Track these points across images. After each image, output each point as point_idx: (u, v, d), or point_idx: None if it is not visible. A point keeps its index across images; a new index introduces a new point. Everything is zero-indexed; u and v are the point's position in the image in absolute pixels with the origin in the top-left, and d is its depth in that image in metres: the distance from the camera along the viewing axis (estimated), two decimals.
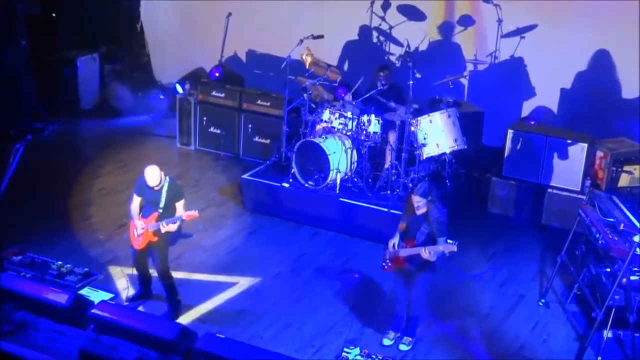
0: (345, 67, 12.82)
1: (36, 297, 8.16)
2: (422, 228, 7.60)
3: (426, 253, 7.50)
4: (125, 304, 8.45)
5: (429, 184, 7.64)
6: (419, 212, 7.57)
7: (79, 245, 9.72)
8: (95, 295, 8.53)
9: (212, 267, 9.39)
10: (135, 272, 8.51)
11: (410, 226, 7.70)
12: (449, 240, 7.49)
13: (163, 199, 8.03)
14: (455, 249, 7.46)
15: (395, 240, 7.81)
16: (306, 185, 10.45)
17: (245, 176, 10.98)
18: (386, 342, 8.03)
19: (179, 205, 8.12)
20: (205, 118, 12.71)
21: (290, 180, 10.57)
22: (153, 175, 7.98)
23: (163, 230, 8.08)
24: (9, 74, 12.89)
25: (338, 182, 10.28)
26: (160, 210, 8.04)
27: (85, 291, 8.63)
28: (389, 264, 7.87)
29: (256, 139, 12.38)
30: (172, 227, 8.08)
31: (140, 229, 8.09)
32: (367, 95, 10.56)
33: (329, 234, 10.29)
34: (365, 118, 10.26)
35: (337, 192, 10.28)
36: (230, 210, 10.89)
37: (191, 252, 9.54)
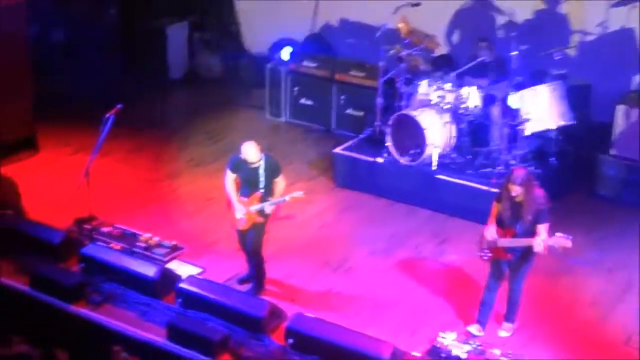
0: (443, 37, 12.58)
1: (125, 269, 8.38)
2: (522, 217, 7.41)
3: (540, 246, 7.29)
4: (237, 285, 8.51)
5: (527, 171, 7.46)
6: (517, 199, 7.39)
7: (167, 217, 9.84)
8: (183, 269, 8.68)
9: (301, 244, 9.41)
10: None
11: (508, 215, 7.52)
12: (558, 234, 7.25)
13: (262, 178, 8.00)
14: (569, 244, 7.24)
15: (492, 229, 7.62)
16: (401, 160, 10.34)
17: (337, 150, 10.94)
18: (473, 331, 7.89)
19: (279, 181, 8.11)
20: (296, 89, 12.67)
21: (385, 155, 10.47)
22: (252, 152, 7.93)
23: (268, 211, 8.08)
24: (98, 42, 13.13)
25: (435, 158, 10.13)
26: (262, 190, 8.03)
27: (173, 265, 8.77)
28: (488, 254, 7.70)
29: (349, 111, 12.28)
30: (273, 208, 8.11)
31: (242, 213, 8.09)
32: (466, 67, 10.39)
33: (424, 212, 10.16)
34: (465, 91, 10.07)
35: (434, 168, 10.14)
36: (321, 185, 10.85)
37: (281, 227, 9.52)
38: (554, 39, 11.28)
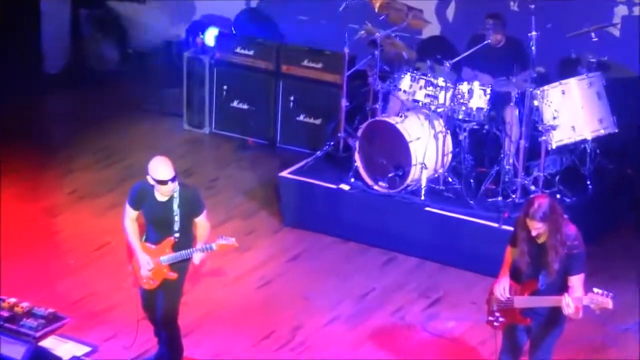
0: (434, 11, 12.78)
1: None
2: (546, 265, 7.50)
3: (570, 308, 7.35)
4: None
5: (551, 201, 7.53)
6: (540, 240, 7.48)
7: (40, 274, 9.84)
8: (65, 348, 8.67)
9: (235, 309, 9.47)
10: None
11: (527, 263, 7.59)
12: (596, 290, 7.33)
13: (177, 217, 8.03)
14: (609, 305, 7.29)
15: (505, 284, 7.71)
16: (376, 187, 10.48)
17: (284, 174, 11.05)
18: None
19: (200, 221, 8.15)
20: (225, 87, 12.80)
21: (352, 180, 10.61)
22: (165, 169, 7.89)
23: (185, 264, 8.11)
24: None
25: (424, 183, 10.29)
26: (177, 235, 8.06)
27: (49, 342, 8.75)
28: (500, 319, 7.78)
29: (301, 118, 12.44)
30: (196, 259, 8.13)
31: (149, 267, 8.12)
32: (467, 53, 10.56)
33: (409, 260, 10.30)
34: (465, 87, 10.24)
35: (423, 197, 10.29)
36: (262, 224, 10.98)
37: (206, 286, 9.60)
38: (589, 14, 11.49)
